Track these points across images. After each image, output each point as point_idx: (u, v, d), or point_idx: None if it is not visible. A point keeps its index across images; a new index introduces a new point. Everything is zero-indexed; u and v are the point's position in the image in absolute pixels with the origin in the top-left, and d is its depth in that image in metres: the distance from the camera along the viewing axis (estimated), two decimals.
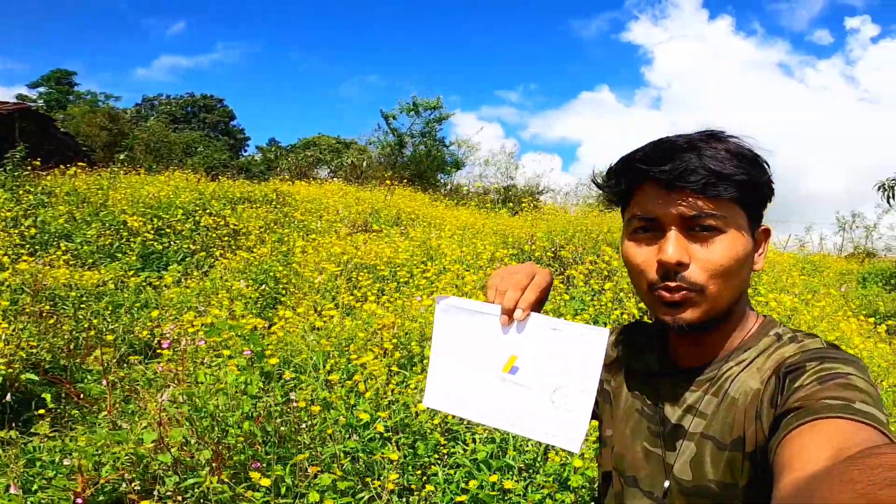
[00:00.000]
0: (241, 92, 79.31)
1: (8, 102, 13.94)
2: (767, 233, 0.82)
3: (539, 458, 2.77)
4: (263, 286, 6.24)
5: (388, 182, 9.75)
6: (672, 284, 0.75)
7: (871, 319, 5.53)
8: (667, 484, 0.82)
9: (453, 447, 2.84)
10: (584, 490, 2.60)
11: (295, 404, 2.78)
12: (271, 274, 6.51)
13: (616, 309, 4.81)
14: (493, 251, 6.10)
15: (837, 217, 16.26)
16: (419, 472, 2.70)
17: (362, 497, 2.46)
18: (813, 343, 0.77)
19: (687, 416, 0.82)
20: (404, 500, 2.59)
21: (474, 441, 2.83)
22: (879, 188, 7.52)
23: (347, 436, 2.77)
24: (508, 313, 0.79)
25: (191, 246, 7.65)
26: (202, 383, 2.61)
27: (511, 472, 2.68)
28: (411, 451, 2.79)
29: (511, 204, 10.91)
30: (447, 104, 17.54)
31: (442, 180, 17.93)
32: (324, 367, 3.37)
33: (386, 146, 17.18)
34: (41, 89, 34.18)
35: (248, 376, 2.66)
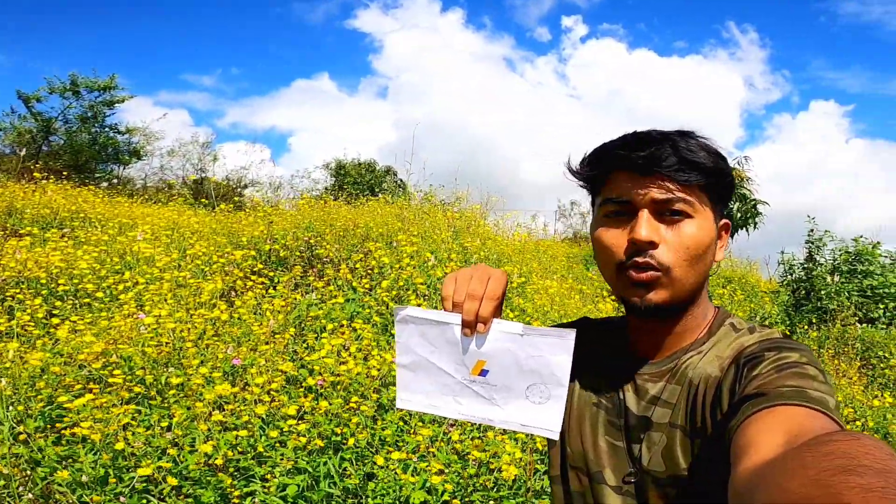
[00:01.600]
0: None
1: None
2: (727, 226, 0.90)
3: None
4: None
5: (37, 175, 7.58)
6: (640, 261, 0.80)
7: (610, 298, 6.41)
8: (630, 473, 0.87)
9: (248, 486, 2.47)
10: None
11: None
12: None
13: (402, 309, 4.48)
14: (227, 252, 5.16)
15: (559, 205, 19.00)
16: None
17: None
18: (770, 333, 0.84)
19: (651, 406, 0.86)
20: None
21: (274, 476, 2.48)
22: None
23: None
24: (470, 326, 0.83)
25: None
26: None
27: None
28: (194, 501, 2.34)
29: (205, 199, 9.69)
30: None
31: (107, 172, 15.21)
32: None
33: (24, 133, 13.84)
34: None
35: None
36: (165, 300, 4.17)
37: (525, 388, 0.82)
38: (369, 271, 4.87)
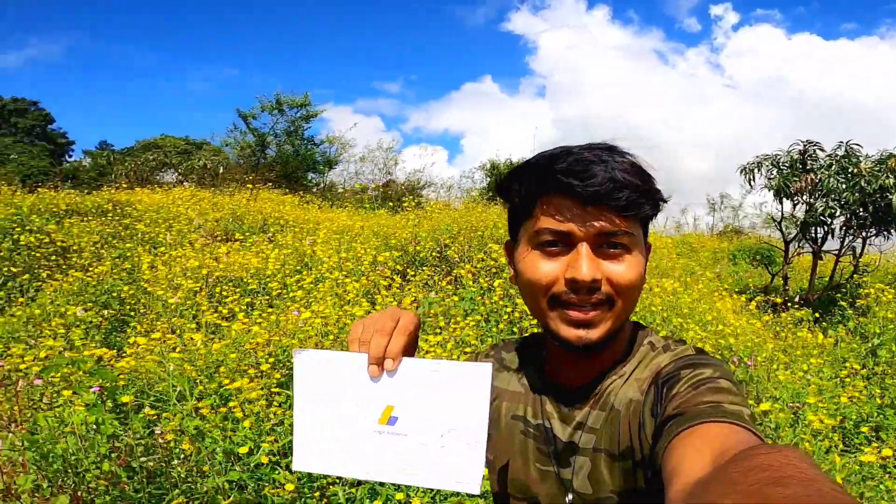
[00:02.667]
0: (64, 90, 71.27)
1: None
2: (649, 248, 0.87)
3: None
4: (107, 309, 5.70)
5: (249, 185, 9.25)
6: (579, 299, 0.77)
7: (743, 297, 6.16)
8: (569, 498, 0.87)
9: None
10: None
11: (162, 438, 2.56)
12: (114, 295, 5.95)
13: (507, 307, 4.93)
14: (374, 255, 6.01)
15: (708, 198, 18.03)
16: (318, 493, 2.64)
17: None
18: (684, 350, 0.84)
19: (577, 432, 0.86)
20: None
21: None
22: (741, 172, 8.41)
23: (229, 465, 2.62)
24: (377, 362, 0.76)
25: (11, 269, 6.78)
26: (43, 427, 2.32)
27: (417, 488, 2.63)
28: (307, 473, 2.66)
29: (391, 202, 10.79)
30: (319, 98, 17.06)
31: (315, 180, 17.42)
32: (191, 395, 3.13)
33: (245, 147, 16.47)
34: None
35: (97, 415, 2.39)
36: (325, 298, 5.07)
37: (439, 435, 0.75)
38: (488, 270, 5.36)
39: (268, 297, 5.54)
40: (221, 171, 13.18)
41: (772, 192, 7.93)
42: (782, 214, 8.32)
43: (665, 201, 0.83)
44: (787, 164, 7.99)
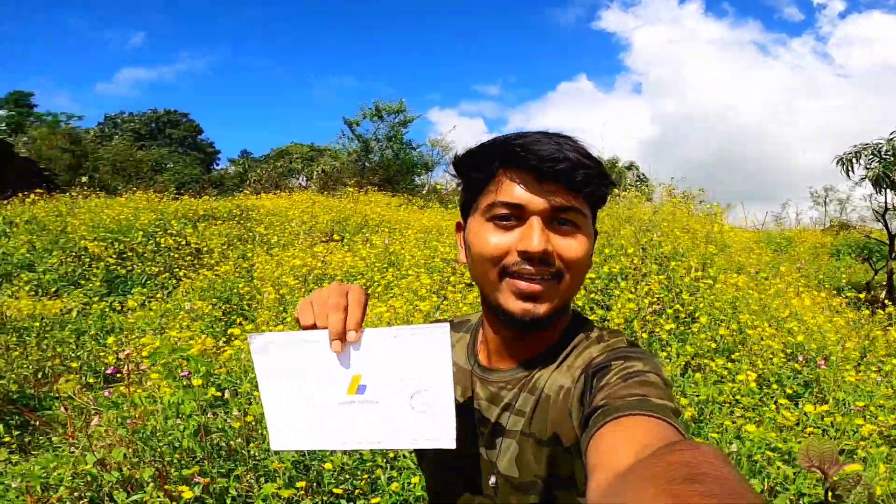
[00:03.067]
0: (210, 103, 78.85)
1: None
2: (596, 234, 0.89)
3: None
4: (228, 304, 6.56)
5: (351, 189, 10.08)
6: (529, 271, 0.79)
7: (824, 294, 5.88)
8: (492, 480, 0.88)
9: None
10: None
11: (244, 419, 3.06)
12: (234, 291, 6.82)
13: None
14: (446, 252, 6.43)
15: (811, 191, 16.71)
16: (366, 475, 2.89)
17: None
18: (618, 342, 0.84)
19: (505, 413, 0.87)
20: None
21: None
22: (838, 162, 7.88)
23: None
24: (339, 337, 0.76)
25: (153, 268, 7.95)
26: (139, 406, 2.93)
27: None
28: (358, 456, 2.97)
29: None
30: (426, 103, 17.97)
31: (419, 182, 18.22)
32: None
33: (352, 153, 17.53)
34: (1, 112, 34.23)
35: (182, 396, 2.96)
36: (402, 294, 5.57)
37: (409, 396, 0.76)
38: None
39: None
40: (335, 173, 14.24)
41: (871, 182, 7.37)
42: (885, 206, 7.69)
43: (614, 188, 0.85)
44: (889, 153, 7.38)
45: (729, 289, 5.25)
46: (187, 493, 2.46)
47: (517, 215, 0.80)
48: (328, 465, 2.86)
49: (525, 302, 0.79)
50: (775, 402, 3.61)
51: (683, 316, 4.93)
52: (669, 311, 4.80)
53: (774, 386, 3.96)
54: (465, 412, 0.89)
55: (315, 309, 0.78)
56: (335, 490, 2.79)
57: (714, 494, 0.38)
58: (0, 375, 4.33)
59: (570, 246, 0.79)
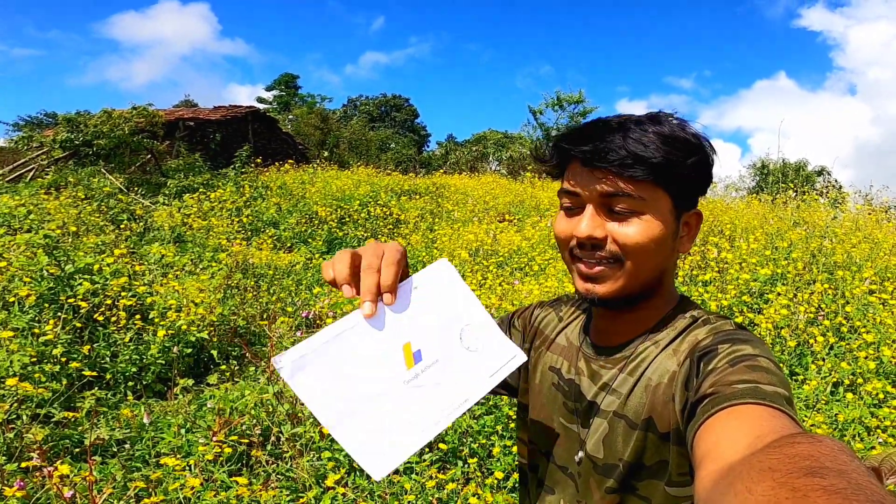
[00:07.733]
0: (427, 88, 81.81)
1: (242, 106, 15.79)
2: (699, 216, 0.81)
3: None
4: (413, 270, 7.05)
5: (529, 175, 10.11)
6: (585, 254, 0.77)
7: None
8: (579, 456, 0.83)
9: None
10: None
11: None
12: (419, 259, 7.31)
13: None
14: None
15: None
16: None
17: None
18: (724, 325, 0.77)
19: (601, 393, 0.81)
20: None
21: None
22: None
23: None
24: (373, 299, 0.67)
25: (362, 233, 8.82)
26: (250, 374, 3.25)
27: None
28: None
29: None
30: (616, 94, 17.13)
31: None
32: None
33: (535, 140, 17.34)
34: (274, 92, 38.07)
35: None
36: (556, 274, 5.55)
37: (458, 339, 0.70)
38: (707, 264, 5.13)
39: (510, 270, 6.20)
40: (520, 161, 14.31)
41: None
42: None
43: (690, 167, 0.75)
44: None
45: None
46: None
47: (577, 203, 0.78)
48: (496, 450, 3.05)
49: (586, 282, 0.78)
50: None
51: (846, 330, 4.24)
52: (827, 322, 4.17)
53: None
54: (571, 385, 0.86)
55: (342, 267, 0.68)
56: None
57: (838, 490, 0.34)
58: (234, 312, 4.89)
59: (626, 232, 0.74)
